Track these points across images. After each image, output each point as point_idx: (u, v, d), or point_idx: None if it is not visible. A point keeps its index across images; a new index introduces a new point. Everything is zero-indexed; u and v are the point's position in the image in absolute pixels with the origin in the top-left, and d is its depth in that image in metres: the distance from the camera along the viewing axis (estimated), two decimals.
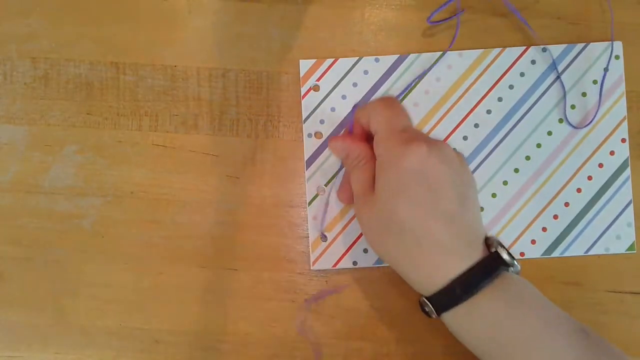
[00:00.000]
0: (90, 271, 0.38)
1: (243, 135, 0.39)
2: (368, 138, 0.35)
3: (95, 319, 0.38)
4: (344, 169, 0.38)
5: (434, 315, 0.31)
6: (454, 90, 0.38)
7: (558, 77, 0.38)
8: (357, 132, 0.36)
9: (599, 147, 0.38)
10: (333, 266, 0.38)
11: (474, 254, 0.30)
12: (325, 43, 0.39)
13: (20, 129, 0.39)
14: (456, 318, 0.30)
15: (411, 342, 0.38)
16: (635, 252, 0.38)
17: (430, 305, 0.31)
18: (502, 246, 0.31)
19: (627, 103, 0.38)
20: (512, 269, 0.31)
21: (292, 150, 0.38)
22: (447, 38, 0.39)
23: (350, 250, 0.38)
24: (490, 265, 0.30)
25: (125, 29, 0.39)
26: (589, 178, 0.38)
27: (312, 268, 0.38)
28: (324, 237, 0.38)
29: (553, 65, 0.38)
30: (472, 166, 0.39)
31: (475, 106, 0.38)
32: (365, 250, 0.38)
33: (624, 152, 0.38)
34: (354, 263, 0.38)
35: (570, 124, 0.38)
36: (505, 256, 0.30)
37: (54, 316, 0.38)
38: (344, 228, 0.38)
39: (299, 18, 0.39)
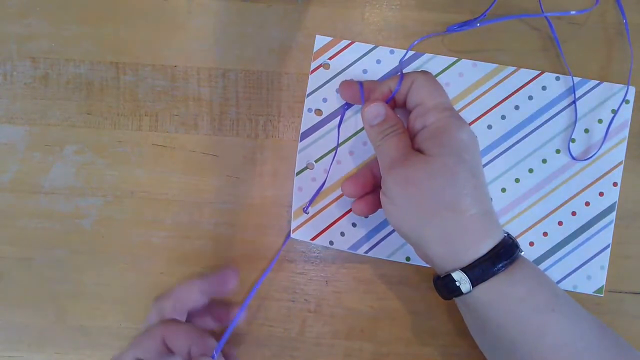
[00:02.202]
0: (90, 271, 0.38)
1: (243, 135, 0.39)
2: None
3: (95, 319, 0.38)
4: (335, 158, 0.38)
5: (466, 289, 0.30)
6: (460, 98, 0.38)
7: (565, 108, 0.38)
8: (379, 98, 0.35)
9: (590, 185, 0.38)
10: (311, 239, 0.38)
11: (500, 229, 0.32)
12: None
13: (20, 129, 0.39)
14: (488, 293, 0.30)
15: (411, 342, 0.38)
16: (602, 295, 0.38)
17: (467, 276, 0.30)
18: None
19: None
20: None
21: (292, 150, 0.38)
22: (446, 41, 0.39)
23: (329, 230, 0.38)
24: (514, 240, 0.31)
25: (125, 29, 0.39)
26: (573, 214, 0.38)
27: (292, 236, 0.38)
28: (306, 210, 0.38)
29: (563, 95, 0.38)
30: None
31: (478, 119, 0.38)
32: (342, 234, 0.38)
33: (613, 195, 0.38)
34: (330, 242, 0.38)
35: (571, 155, 0.38)
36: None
37: (54, 316, 0.38)
38: (325, 207, 0.38)
39: (299, 18, 0.39)
